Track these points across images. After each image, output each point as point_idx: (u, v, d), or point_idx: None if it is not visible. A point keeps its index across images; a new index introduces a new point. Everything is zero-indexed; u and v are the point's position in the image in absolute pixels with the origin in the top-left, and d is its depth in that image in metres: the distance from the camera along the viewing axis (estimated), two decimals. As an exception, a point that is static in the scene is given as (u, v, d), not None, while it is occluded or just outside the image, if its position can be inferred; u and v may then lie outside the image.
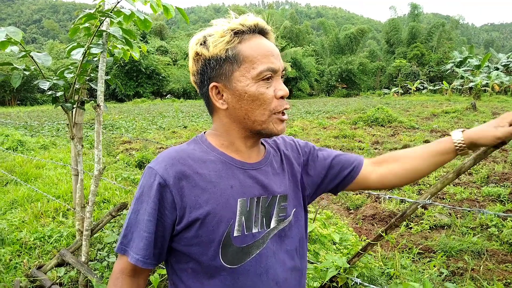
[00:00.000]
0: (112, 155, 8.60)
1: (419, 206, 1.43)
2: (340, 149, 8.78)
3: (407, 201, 1.34)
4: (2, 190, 5.34)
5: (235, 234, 0.95)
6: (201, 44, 0.95)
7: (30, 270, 2.55)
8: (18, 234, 3.66)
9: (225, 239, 0.94)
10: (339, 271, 2.04)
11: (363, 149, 8.75)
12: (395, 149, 8.63)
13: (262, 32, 0.97)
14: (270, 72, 0.93)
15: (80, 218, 2.50)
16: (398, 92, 42.20)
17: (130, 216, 0.98)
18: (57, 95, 2.26)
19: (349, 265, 2.04)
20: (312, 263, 2.20)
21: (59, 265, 2.41)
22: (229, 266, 0.95)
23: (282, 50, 42.58)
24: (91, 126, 13.06)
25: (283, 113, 0.98)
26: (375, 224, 4.36)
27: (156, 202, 0.93)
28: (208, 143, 1.03)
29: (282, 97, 0.97)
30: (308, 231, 2.35)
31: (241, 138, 1.01)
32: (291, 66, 42.11)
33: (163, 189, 0.92)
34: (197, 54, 0.96)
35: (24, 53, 2.02)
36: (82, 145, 2.52)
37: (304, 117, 16.99)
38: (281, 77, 0.99)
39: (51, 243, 3.53)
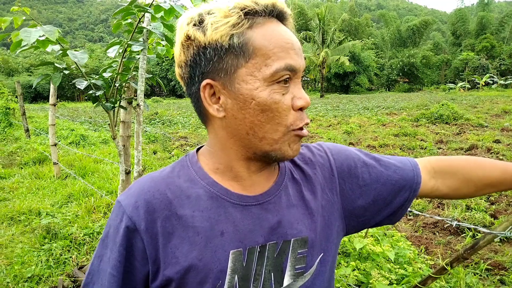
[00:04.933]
0: (168, 150, 8.78)
1: (496, 238, 1.15)
2: (401, 149, 8.29)
3: (481, 231, 1.06)
4: (61, 183, 5.57)
5: None
6: (194, 25, 0.67)
7: (73, 270, 2.56)
8: (69, 229, 3.76)
9: None
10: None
11: (425, 148, 8.19)
12: (461, 149, 8.00)
13: (280, 17, 0.70)
14: (289, 72, 0.66)
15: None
16: (464, 87, 39.60)
17: (93, 261, 0.75)
18: (97, 94, 2.21)
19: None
20: (358, 286, 1.97)
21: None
22: None
23: (340, 43, 41.51)
24: (150, 122, 13.46)
25: (301, 128, 0.71)
26: (437, 233, 3.99)
27: (122, 252, 0.69)
28: (198, 167, 0.76)
29: (301, 109, 0.70)
30: (358, 248, 2.13)
31: (242, 160, 0.74)
32: (349, 60, 41.03)
33: (132, 235, 0.69)
34: (188, 38, 0.67)
35: (62, 51, 1.98)
36: (124, 145, 2.47)
37: (361, 113, 16.38)
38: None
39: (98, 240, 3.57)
